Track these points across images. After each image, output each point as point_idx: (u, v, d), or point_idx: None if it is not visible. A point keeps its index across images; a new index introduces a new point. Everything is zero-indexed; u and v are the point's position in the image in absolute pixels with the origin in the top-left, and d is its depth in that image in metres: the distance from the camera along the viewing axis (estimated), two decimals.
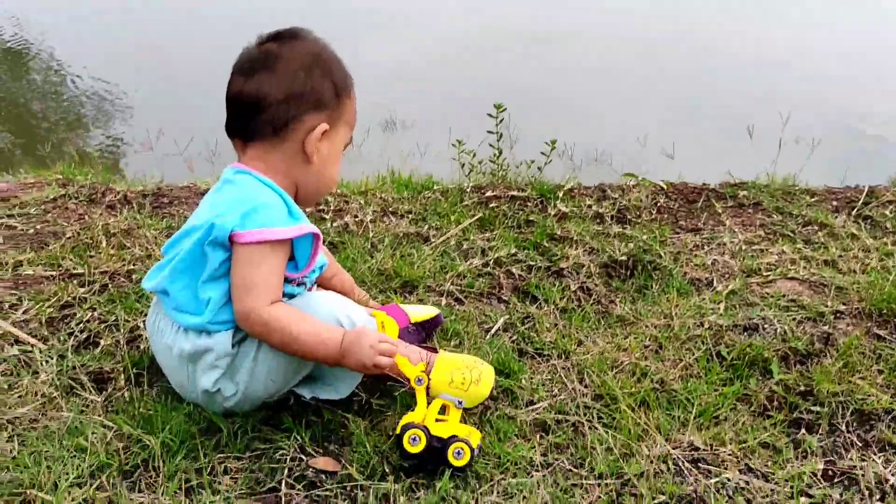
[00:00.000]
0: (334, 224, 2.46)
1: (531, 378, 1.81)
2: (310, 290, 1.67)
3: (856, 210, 2.70)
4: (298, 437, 1.52)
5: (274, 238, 1.47)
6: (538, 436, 1.64)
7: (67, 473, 1.39)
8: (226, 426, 1.52)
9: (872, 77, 4.95)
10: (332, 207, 2.56)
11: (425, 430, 1.46)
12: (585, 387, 1.79)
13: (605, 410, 1.71)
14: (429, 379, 1.54)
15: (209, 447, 1.49)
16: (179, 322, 1.52)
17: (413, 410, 1.52)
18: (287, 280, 1.54)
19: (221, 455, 1.48)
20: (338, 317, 1.52)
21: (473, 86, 4.58)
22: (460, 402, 1.49)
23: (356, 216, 2.52)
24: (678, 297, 2.15)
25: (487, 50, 5.63)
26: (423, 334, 1.84)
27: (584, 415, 1.69)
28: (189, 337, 1.51)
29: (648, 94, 4.69)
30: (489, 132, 2.90)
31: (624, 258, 2.32)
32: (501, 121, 2.86)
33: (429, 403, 1.52)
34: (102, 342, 1.78)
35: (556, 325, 2.02)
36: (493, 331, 1.99)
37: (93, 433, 1.49)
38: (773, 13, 6.24)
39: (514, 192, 2.72)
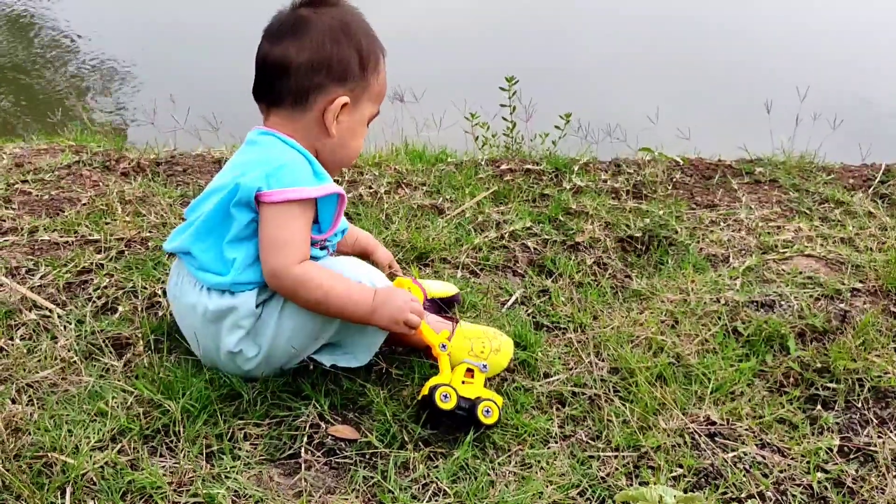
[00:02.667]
0: (349, 195, 2.44)
1: (547, 351, 1.81)
2: (331, 255, 1.67)
3: (872, 188, 2.68)
4: (317, 405, 1.53)
5: (300, 196, 1.46)
6: (555, 408, 1.65)
7: (88, 437, 1.40)
8: (246, 392, 1.53)
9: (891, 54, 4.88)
10: (346, 178, 2.55)
11: (454, 389, 1.47)
12: (602, 360, 1.79)
13: (621, 384, 1.71)
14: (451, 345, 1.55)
15: (229, 413, 1.50)
16: (203, 281, 1.52)
17: (437, 375, 1.52)
18: (311, 243, 1.54)
19: (241, 421, 1.48)
20: (362, 281, 1.52)
21: (486, 58, 4.53)
22: (485, 367, 1.53)
23: (370, 187, 2.51)
24: (694, 273, 2.14)
25: (499, 21, 5.56)
26: (439, 311, 1.84)
27: (601, 388, 1.70)
28: (213, 296, 1.51)
29: (663, 68, 4.63)
30: (502, 105, 2.87)
31: (640, 233, 2.31)
32: (514, 93, 2.83)
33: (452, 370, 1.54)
34: (121, 308, 1.78)
35: (571, 298, 2.02)
36: (509, 303, 1.98)
37: (113, 398, 1.49)
38: None
39: (529, 166, 2.71)
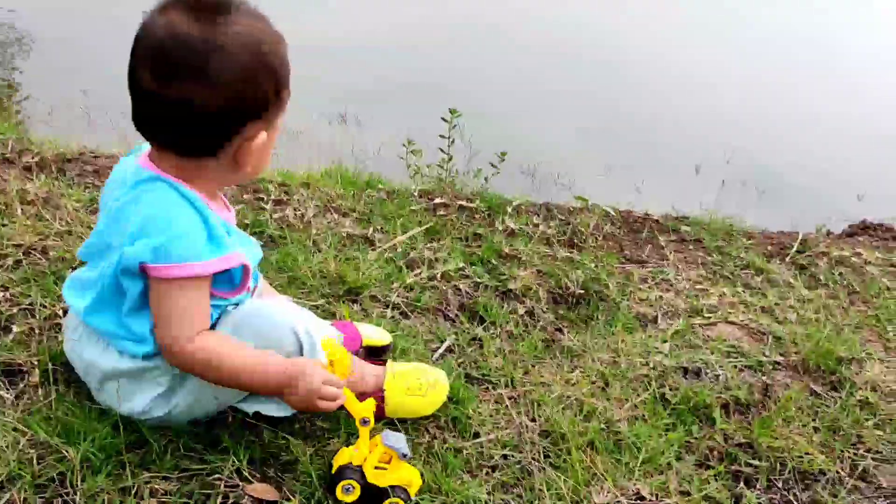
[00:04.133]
0: (275, 216, 2.31)
1: (479, 408, 1.74)
2: (252, 291, 1.50)
3: (789, 257, 2.76)
4: (235, 459, 1.40)
5: (190, 274, 1.26)
6: (485, 472, 1.58)
7: None
8: (155, 441, 1.38)
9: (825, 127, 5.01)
10: (272, 197, 2.41)
11: (362, 476, 1.36)
12: (533, 421, 1.73)
13: (553, 449, 1.66)
14: (374, 419, 1.40)
15: (135, 463, 1.35)
16: (115, 346, 1.37)
17: (354, 447, 1.40)
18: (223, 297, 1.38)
19: (148, 474, 1.34)
20: (296, 331, 1.37)
21: (425, 75, 4.43)
22: (405, 455, 1.37)
23: (297, 210, 2.38)
24: (625, 332, 2.12)
25: (441, 40, 5.45)
26: (365, 357, 1.74)
27: (532, 452, 1.64)
28: (124, 358, 1.36)
29: (594, 114, 4.63)
30: (441, 136, 2.81)
31: (572, 286, 2.28)
32: (454, 126, 2.77)
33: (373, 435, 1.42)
34: (15, 328, 1.59)
35: (502, 350, 1.96)
36: (440, 350, 1.90)
37: (3, 437, 1.32)
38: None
39: (463, 202, 2.64)
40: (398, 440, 1.36)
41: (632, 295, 2.32)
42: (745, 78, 5.55)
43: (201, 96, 1.22)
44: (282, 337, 1.37)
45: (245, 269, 1.36)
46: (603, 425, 1.76)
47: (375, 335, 1.77)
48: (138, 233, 1.26)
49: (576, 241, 2.58)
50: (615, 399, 1.86)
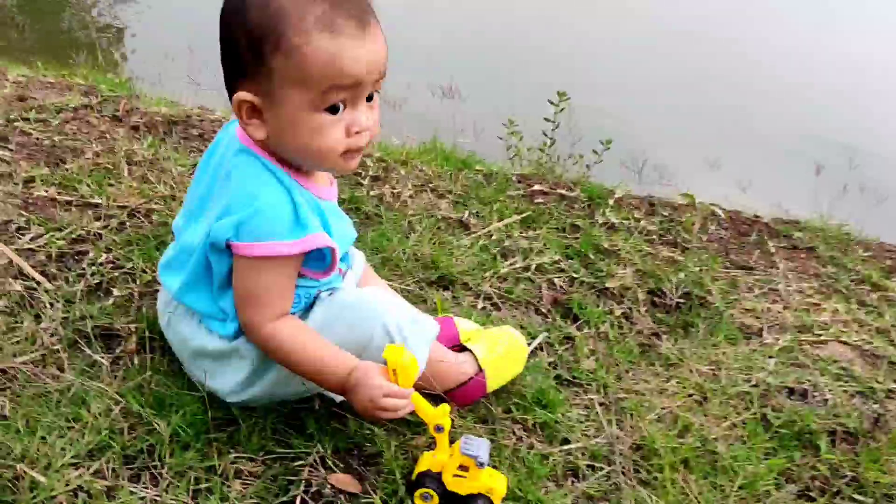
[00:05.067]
0: (371, 193, 2.28)
1: (568, 412, 1.67)
2: (344, 274, 1.46)
3: None
4: (321, 447, 1.38)
5: (271, 254, 1.22)
6: (570, 481, 1.51)
7: (64, 450, 1.24)
8: (244, 420, 1.37)
9: None
10: (369, 173, 2.38)
11: (440, 484, 1.31)
12: (624, 432, 1.65)
13: (644, 464, 1.58)
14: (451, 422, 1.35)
15: (223, 441, 1.34)
16: (207, 325, 1.36)
17: (433, 453, 1.35)
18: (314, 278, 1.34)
19: (235, 454, 1.33)
20: (387, 326, 1.33)
21: (536, 53, 4.28)
22: (482, 464, 1.29)
23: (394, 188, 2.34)
24: (726, 344, 2.01)
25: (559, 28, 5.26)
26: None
27: (622, 465, 1.57)
28: (213, 337, 1.35)
29: (711, 111, 4.37)
30: (546, 119, 2.71)
31: (672, 289, 2.17)
32: (562, 110, 2.67)
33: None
34: (116, 292, 1.61)
35: (596, 352, 1.88)
36: (530, 347, 1.84)
37: (97, 403, 1.33)
38: None
39: (563, 191, 2.55)
40: (477, 447, 1.30)
41: (736, 304, 2.19)
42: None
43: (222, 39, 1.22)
44: (372, 331, 1.33)
45: (333, 250, 1.30)
46: (698, 443, 1.66)
47: (474, 332, 1.71)
48: (226, 209, 1.24)
49: (679, 240, 2.46)
50: (713, 416, 1.76)
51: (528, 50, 4.39)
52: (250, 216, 1.21)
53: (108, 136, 2.19)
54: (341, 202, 2.14)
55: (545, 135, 2.75)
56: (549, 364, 1.81)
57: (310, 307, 1.37)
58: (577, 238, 2.33)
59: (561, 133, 2.76)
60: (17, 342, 1.44)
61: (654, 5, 5.83)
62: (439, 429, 1.30)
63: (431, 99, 3.16)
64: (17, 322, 1.48)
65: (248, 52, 1.17)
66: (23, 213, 1.78)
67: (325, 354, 1.28)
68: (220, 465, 1.30)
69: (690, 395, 1.81)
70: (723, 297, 2.19)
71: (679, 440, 1.65)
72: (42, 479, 1.18)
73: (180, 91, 2.62)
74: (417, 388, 1.31)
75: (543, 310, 2.01)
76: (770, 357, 1.99)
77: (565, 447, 1.58)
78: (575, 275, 2.16)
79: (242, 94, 1.20)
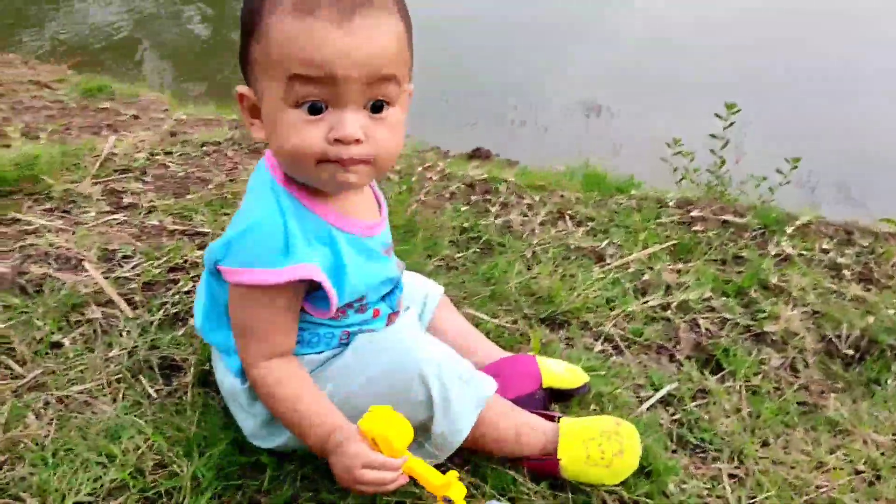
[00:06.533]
0: (498, 221, 2.09)
1: (683, 483, 1.35)
2: (392, 317, 1.26)
3: None
4: (353, 503, 1.20)
5: (255, 282, 1.08)
6: None
7: (81, 487, 1.18)
8: (272, 467, 1.24)
9: None
10: (500, 199, 2.19)
11: None
12: None
13: None
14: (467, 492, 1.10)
15: (250, 488, 1.22)
16: (226, 363, 1.25)
17: None
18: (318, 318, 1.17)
19: None
20: (425, 379, 1.13)
21: (703, 74, 3.87)
22: None
23: (525, 215, 2.13)
24: None
25: (733, 32, 4.77)
26: (549, 400, 1.44)
27: None
28: (230, 375, 1.23)
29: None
30: (712, 136, 2.36)
31: (855, 335, 1.74)
32: (731, 124, 2.31)
33: None
34: (191, 322, 1.57)
35: (739, 410, 1.54)
36: (650, 401, 1.54)
37: (130, 437, 1.27)
38: None
39: (728, 217, 2.19)
40: None
41: None
42: None
43: None
44: (409, 384, 1.13)
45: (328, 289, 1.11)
46: None
47: (561, 373, 1.45)
48: (232, 220, 1.13)
49: (875, 275, 1.99)
50: (885, 501, 1.35)
51: (683, 63, 3.93)
52: (238, 237, 1.09)
53: (239, 167, 2.21)
54: (461, 230, 1.99)
55: (713, 153, 2.39)
56: (673, 422, 1.50)
57: (347, 343, 1.21)
58: (740, 272, 1.97)
59: (728, 153, 2.38)
60: (82, 370, 1.42)
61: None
62: (448, 501, 1.08)
63: (577, 120, 2.91)
64: (88, 349, 1.47)
65: (241, 43, 1.08)
66: (134, 241, 1.82)
67: (308, 409, 1.11)
68: None
69: (859, 473, 1.41)
70: None
71: None
72: None
73: None
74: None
75: (679, 357, 1.69)
76: None
77: None
78: (728, 315, 1.81)
79: (240, 87, 1.09)
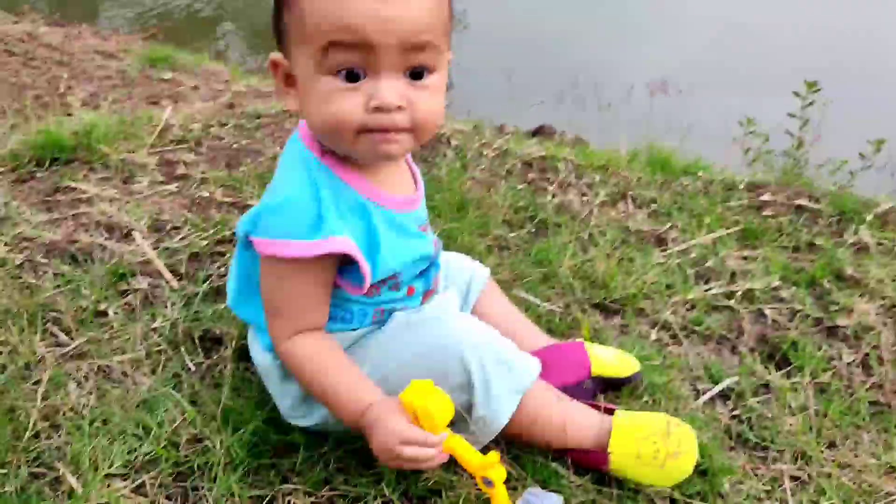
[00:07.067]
0: (555, 201, 2.01)
1: (740, 484, 1.27)
2: (427, 295, 1.21)
3: None
4: (387, 489, 1.16)
5: (285, 255, 1.04)
6: None
7: (115, 458, 1.17)
8: (308, 448, 1.20)
9: None
10: (559, 178, 2.11)
11: None
12: None
13: None
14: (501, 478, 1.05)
15: (283, 467, 1.19)
16: (259, 339, 1.21)
17: None
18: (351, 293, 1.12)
19: (290, 484, 1.16)
20: (466, 362, 1.08)
21: (778, 51, 3.63)
22: None
23: (584, 195, 2.05)
24: None
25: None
26: (599, 389, 1.36)
27: None
28: (263, 351, 1.20)
29: None
30: (790, 115, 2.22)
31: None
32: (811, 103, 2.16)
33: None
34: None
35: (805, 408, 1.43)
36: (708, 395, 1.45)
37: (165, 410, 1.25)
38: None
39: (802, 201, 2.06)
40: None
41: None
42: None
43: None
44: (447, 365, 1.09)
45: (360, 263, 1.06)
46: None
47: (613, 360, 1.38)
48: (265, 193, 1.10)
49: None
50: None
51: (763, 46, 3.69)
52: (268, 208, 1.06)
53: None
54: (516, 210, 1.92)
55: (790, 134, 2.25)
56: (731, 418, 1.41)
57: (385, 322, 1.17)
58: (813, 261, 1.85)
59: (806, 133, 2.23)
60: (126, 339, 1.42)
61: None
62: (488, 482, 1.03)
63: (646, 99, 2.78)
64: (133, 320, 1.47)
65: (274, 9, 1.05)
66: (184, 212, 1.81)
67: (342, 384, 1.06)
68: (269, 495, 1.14)
69: None
70: None
71: None
72: (78, 487, 1.11)
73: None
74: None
75: (742, 349, 1.59)
76: None
77: None
78: (797, 307, 1.70)
79: (273, 55, 1.06)
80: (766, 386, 1.49)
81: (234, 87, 2.60)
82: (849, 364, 1.56)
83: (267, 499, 1.14)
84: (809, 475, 1.30)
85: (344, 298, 1.12)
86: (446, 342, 1.10)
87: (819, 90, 2.13)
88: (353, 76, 0.97)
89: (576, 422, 1.21)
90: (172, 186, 1.92)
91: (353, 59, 0.96)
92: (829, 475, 1.29)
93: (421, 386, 1.01)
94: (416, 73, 0.99)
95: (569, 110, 3.15)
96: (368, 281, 1.07)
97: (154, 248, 1.66)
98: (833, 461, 1.33)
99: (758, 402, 1.44)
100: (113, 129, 2.08)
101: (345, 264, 1.07)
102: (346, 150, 1.05)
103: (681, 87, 2.71)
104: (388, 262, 1.08)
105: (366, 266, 1.06)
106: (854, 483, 1.28)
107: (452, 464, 1.11)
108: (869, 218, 1.99)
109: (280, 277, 1.07)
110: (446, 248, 1.42)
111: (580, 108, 2.89)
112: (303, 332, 1.09)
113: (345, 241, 1.03)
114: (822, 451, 1.35)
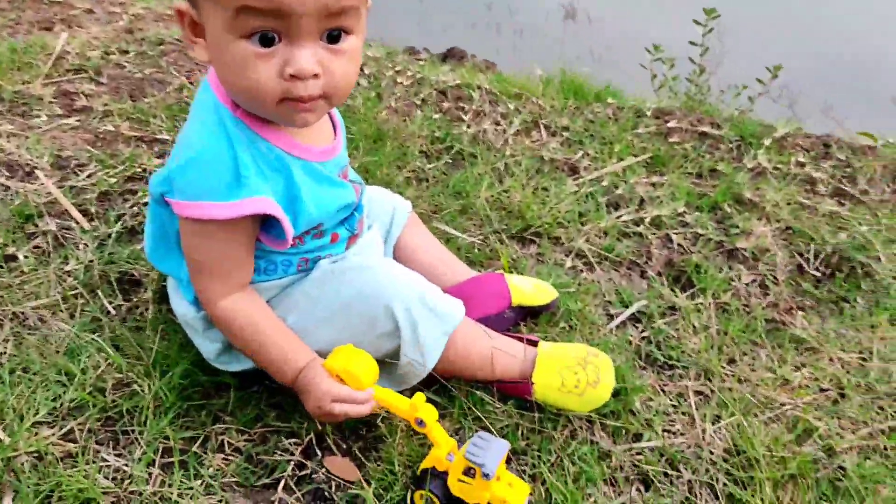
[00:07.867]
0: (469, 130, 2.03)
1: (650, 401, 1.36)
2: (352, 240, 1.22)
3: None
4: (319, 425, 1.19)
5: (206, 217, 1.01)
6: (634, 488, 1.22)
7: (40, 407, 1.15)
8: (239, 389, 1.22)
9: None
10: (474, 107, 2.12)
11: (444, 487, 1.07)
12: (720, 430, 1.32)
13: (737, 475, 1.24)
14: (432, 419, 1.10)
15: (214, 407, 1.20)
16: (180, 291, 1.20)
17: (435, 451, 1.11)
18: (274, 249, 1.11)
19: (222, 424, 1.18)
20: (393, 310, 1.11)
21: None
22: (487, 475, 1.03)
23: (499, 123, 2.07)
24: (888, 326, 1.57)
25: None
26: (519, 318, 1.42)
27: (706, 475, 1.24)
28: (184, 303, 1.19)
29: None
30: (691, 43, 2.28)
31: (827, 251, 1.74)
32: (710, 30, 2.23)
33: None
34: None
35: (707, 328, 1.54)
36: (619, 318, 1.53)
37: (88, 356, 1.24)
38: None
39: (706, 128, 2.15)
40: (485, 453, 1.04)
41: None
42: None
43: None
44: (374, 313, 1.11)
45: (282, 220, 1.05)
46: (820, 454, 1.29)
47: (530, 290, 1.43)
48: (171, 155, 1.05)
49: (850, 190, 1.98)
50: (848, 419, 1.37)
51: None
52: (181, 168, 1.01)
53: (202, 70, 2.11)
54: (432, 140, 1.92)
55: (692, 61, 2.32)
56: (641, 339, 1.50)
57: (307, 273, 1.17)
58: (715, 185, 1.94)
59: (709, 60, 2.31)
60: (39, 284, 1.37)
61: None
62: (420, 423, 1.07)
63: (556, 24, 2.80)
64: (43, 263, 1.42)
65: None
66: (89, 148, 1.73)
67: (274, 345, 1.08)
68: (200, 436, 1.16)
69: (823, 391, 1.43)
70: (894, 267, 1.73)
71: (794, 448, 1.29)
72: (6, 438, 1.10)
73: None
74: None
75: (650, 272, 1.67)
76: None
77: (636, 445, 1.28)
78: (701, 231, 1.79)
79: (178, 2, 0.99)
80: (673, 308, 1.58)
81: (132, 9, 2.46)
82: (747, 285, 1.67)
83: (200, 439, 1.16)
84: (712, 390, 1.41)
85: (267, 251, 1.11)
86: (371, 293, 1.12)
87: (718, 16, 2.19)
88: (267, 40, 0.92)
89: (502, 355, 1.26)
90: (73, 120, 1.83)
91: (268, 23, 0.91)
92: (730, 389, 1.40)
93: (344, 352, 1.06)
94: (333, 36, 0.96)
95: (474, 34, 3.13)
96: (290, 237, 1.07)
97: (59, 188, 1.60)
98: (733, 376, 1.43)
99: (665, 324, 1.53)
100: (4, 58, 1.96)
101: (266, 220, 1.06)
102: (264, 115, 1.02)
103: (589, 12, 2.73)
104: (311, 214, 1.08)
105: (288, 224, 1.05)
106: (752, 396, 1.39)
107: (372, 425, 1.16)
108: (767, 143, 2.09)
109: (201, 238, 1.05)
110: (365, 181, 1.42)
111: (494, 32, 2.88)
112: (233, 294, 1.08)
113: (266, 202, 1.01)
114: (723, 367, 1.45)
